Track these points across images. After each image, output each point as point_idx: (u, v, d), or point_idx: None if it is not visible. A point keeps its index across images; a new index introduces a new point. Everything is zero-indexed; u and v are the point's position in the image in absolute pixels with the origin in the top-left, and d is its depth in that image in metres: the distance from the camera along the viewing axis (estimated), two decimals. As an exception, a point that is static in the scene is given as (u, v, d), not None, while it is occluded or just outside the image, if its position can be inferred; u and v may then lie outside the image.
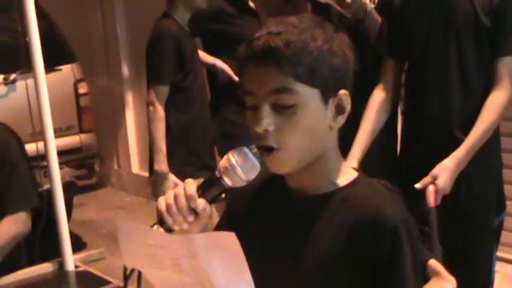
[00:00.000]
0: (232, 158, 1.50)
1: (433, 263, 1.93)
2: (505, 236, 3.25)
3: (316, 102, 1.52)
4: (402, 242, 1.50)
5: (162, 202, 1.49)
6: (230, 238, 1.37)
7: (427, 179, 2.71)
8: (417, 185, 2.70)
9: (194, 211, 1.48)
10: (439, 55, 2.86)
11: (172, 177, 3.94)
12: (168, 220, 1.47)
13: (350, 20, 3.30)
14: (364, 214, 1.53)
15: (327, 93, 1.53)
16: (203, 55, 4.23)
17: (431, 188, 2.69)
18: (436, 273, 1.91)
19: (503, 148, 3.04)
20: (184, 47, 4.02)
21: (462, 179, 2.74)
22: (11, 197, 2.75)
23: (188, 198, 1.47)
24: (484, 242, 2.91)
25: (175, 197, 1.48)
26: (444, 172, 2.70)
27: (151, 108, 4.01)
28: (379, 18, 3.25)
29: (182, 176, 3.80)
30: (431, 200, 2.67)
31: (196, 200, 1.47)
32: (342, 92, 1.56)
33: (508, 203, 3.02)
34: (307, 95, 1.51)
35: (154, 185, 4.00)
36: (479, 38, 2.80)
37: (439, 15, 2.86)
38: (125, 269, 1.59)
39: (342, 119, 1.57)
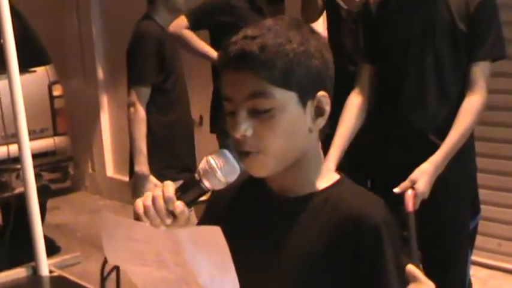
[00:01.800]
0: (212, 160, 1.48)
1: (411, 268, 1.92)
2: (480, 240, 3.26)
3: (294, 105, 1.51)
4: (384, 242, 1.50)
5: (139, 204, 1.46)
6: (215, 232, 1.36)
7: (405, 184, 2.71)
8: (396, 190, 2.70)
9: (172, 214, 1.46)
10: (416, 61, 2.87)
11: (152, 179, 3.93)
12: (145, 222, 1.45)
13: (357, 15, 3.33)
14: (346, 215, 1.52)
15: (305, 95, 1.52)
16: (209, 50, 4.19)
17: (410, 192, 2.69)
18: (414, 279, 1.90)
19: (478, 152, 3.06)
20: (166, 48, 4.03)
21: (438, 183, 2.75)
22: None
23: (166, 200, 1.44)
24: (459, 246, 2.93)
25: (153, 199, 1.45)
26: (423, 176, 2.71)
27: (132, 109, 4.00)
28: None
29: (163, 178, 3.74)
30: (410, 204, 2.67)
31: (174, 203, 1.45)
32: (321, 93, 1.54)
33: (482, 207, 3.03)
34: (284, 98, 1.50)
35: (135, 186, 3.99)
36: (456, 44, 2.83)
37: (417, 22, 2.87)
38: (102, 271, 1.56)
39: (321, 121, 1.56)
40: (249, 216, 1.66)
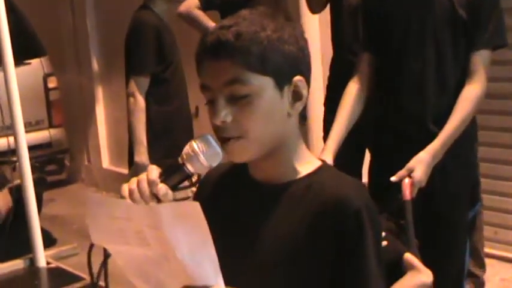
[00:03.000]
0: (195, 144, 1.52)
1: (409, 256, 1.93)
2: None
3: (270, 90, 1.54)
4: (365, 226, 1.52)
5: (125, 187, 1.51)
6: (194, 208, 1.38)
7: (402, 172, 2.71)
8: (393, 178, 2.70)
9: (156, 197, 1.49)
10: (415, 50, 2.86)
11: (125, 184, 3.90)
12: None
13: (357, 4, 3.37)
14: (327, 199, 1.55)
15: (281, 80, 1.55)
16: None
17: (407, 181, 2.69)
18: (412, 267, 1.92)
19: (481, 142, 3.04)
20: (164, 38, 4.02)
21: (436, 171, 2.75)
22: None
23: (150, 183, 1.48)
24: (456, 235, 2.91)
25: (138, 182, 1.50)
26: (420, 165, 2.71)
27: (131, 99, 3.99)
28: None
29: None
30: (407, 193, 2.67)
31: (157, 185, 1.48)
32: (297, 78, 1.57)
33: (497, 198, 3.03)
34: (261, 83, 1.53)
35: (134, 176, 3.97)
36: (456, 32, 2.81)
37: (416, 10, 2.86)
38: (89, 255, 1.57)
39: (299, 105, 1.59)
40: (230, 202, 1.69)
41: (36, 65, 6.10)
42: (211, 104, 1.56)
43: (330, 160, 2.75)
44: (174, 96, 4.12)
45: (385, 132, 2.99)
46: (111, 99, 6.94)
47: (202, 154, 1.52)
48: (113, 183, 6.69)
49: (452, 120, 2.75)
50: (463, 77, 2.80)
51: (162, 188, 1.49)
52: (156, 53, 3.98)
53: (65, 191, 6.96)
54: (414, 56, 2.86)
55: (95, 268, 1.59)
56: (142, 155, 3.96)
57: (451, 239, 2.90)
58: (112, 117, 6.98)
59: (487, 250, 4.37)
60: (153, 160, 3.95)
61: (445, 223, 2.89)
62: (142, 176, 1.50)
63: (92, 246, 1.56)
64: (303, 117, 1.64)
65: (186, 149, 1.53)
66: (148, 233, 1.44)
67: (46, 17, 7.23)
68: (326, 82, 3.95)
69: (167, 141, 4.05)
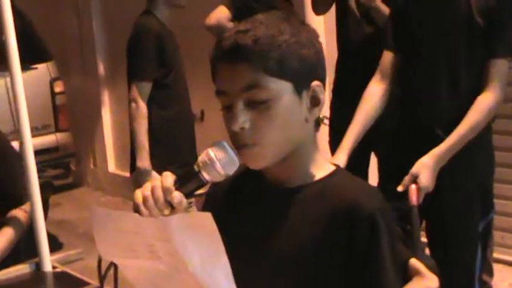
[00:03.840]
0: (211, 152, 1.50)
1: (414, 262, 1.93)
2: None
3: (289, 95, 1.53)
4: (380, 230, 1.51)
5: (138, 194, 1.48)
6: (206, 218, 1.36)
7: (407, 179, 2.70)
8: (399, 188, 2.69)
9: (171, 204, 1.47)
10: (429, 53, 2.85)
11: (155, 175, 3.93)
12: (144, 212, 1.46)
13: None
14: (341, 203, 1.54)
15: (300, 85, 1.54)
16: None
17: (413, 186, 2.68)
18: (418, 273, 1.91)
19: (497, 146, 3.01)
20: (166, 44, 4.03)
21: (445, 178, 2.73)
22: (19, 189, 2.75)
23: (165, 190, 1.46)
24: (466, 244, 2.88)
25: (152, 189, 1.47)
26: (424, 170, 2.70)
27: (133, 105, 4.01)
28: (385, 9, 3.29)
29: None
30: (414, 198, 2.66)
31: (172, 193, 1.46)
32: (315, 83, 1.57)
33: (503, 202, 2.99)
34: (280, 88, 1.52)
35: (136, 182, 3.99)
36: (471, 38, 2.78)
37: (433, 12, 2.85)
38: (99, 267, 1.57)
39: (317, 111, 1.59)
40: (244, 206, 1.68)
41: (43, 70, 6.10)
42: (228, 109, 1.53)
43: (344, 159, 2.74)
44: (175, 102, 4.13)
45: (396, 134, 2.97)
46: (117, 104, 6.94)
47: (218, 162, 1.49)
48: (119, 187, 6.69)
49: (461, 126, 2.73)
50: (478, 84, 2.77)
51: (177, 196, 1.47)
52: (158, 58, 4.00)
53: (71, 195, 6.97)
54: (427, 59, 2.85)
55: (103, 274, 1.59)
56: (144, 160, 3.98)
57: (459, 247, 2.86)
58: (118, 121, 6.98)
59: (494, 255, 4.35)
60: (155, 165, 3.96)
61: (454, 230, 2.86)
62: (157, 183, 1.48)
63: (100, 259, 1.54)
64: (317, 123, 1.63)
65: (202, 156, 1.50)
66: (158, 246, 1.42)
67: (52, 21, 7.25)
68: (331, 86, 3.95)
69: (169, 146, 4.07)
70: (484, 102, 2.76)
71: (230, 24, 4.00)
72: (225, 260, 1.39)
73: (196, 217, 1.41)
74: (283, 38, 1.51)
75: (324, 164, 1.65)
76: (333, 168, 1.64)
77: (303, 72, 1.54)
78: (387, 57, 2.95)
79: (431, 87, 2.85)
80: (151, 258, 1.45)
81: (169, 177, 1.48)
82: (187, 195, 1.50)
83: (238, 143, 1.54)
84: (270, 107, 1.51)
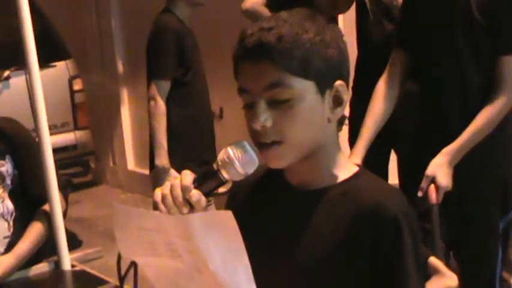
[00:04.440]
0: (231, 151, 1.49)
1: (433, 260, 1.92)
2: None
3: (312, 94, 1.52)
4: (403, 233, 1.49)
5: (158, 192, 1.48)
6: (227, 217, 1.36)
7: (424, 182, 2.68)
8: (419, 193, 2.67)
9: (189, 203, 1.47)
10: (436, 54, 2.83)
11: (173, 173, 3.95)
12: (163, 210, 1.46)
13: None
14: (364, 206, 1.52)
15: (323, 85, 1.53)
16: None
17: (432, 186, 2.67)
18: (437, 271, 1.90)
19: None
20: (186, 42, 4.04)
21: (464, 177, 2.71)
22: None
23: (183, 189, 1.46)
24: (486, 244, 2.84)
25: (171, 188, 1.47)
26: (440, 169, 2.68)
27: (152, 103, 4.02)
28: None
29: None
30: (433, 196, 2.65)
31: (191, 191, 1.46)
32: (339, 83, 1.55)
33: None
34: (303, 87, 1.51)
35: (155, 180, 4.01)
36: (474, 36, 2.75)
37: (436, 11, 2.83)
38: (119, 266, 1.57)
39: (340, 111, 1.57)
40: (266, 209, 1.66)
41: (62, 68, 6.13)
42: (250, 107, 1.53)
43: (358, 161, 2.73)
44: (195, 100, 4.13)
45: (413, 133, 2.96)
46: (136, 101, 6.96)
47: (237, 161, 1.49)
48: (138, 185, 6.71)
49: (474, 123, 2.70)
50: (486, 82, 2.74)
51: (195, 194, 1.46)
52: (177, 57, 4.00)
53: (90, 193, 6.99)
54: (435, 59, 2.83)
55: (122, 273, 1.59)
56: (163, 159, 3.99)
57: (480, 248, 2.83)
58: (137, 118, 7.00)
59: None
60: (174, 163, 3.97)
61: (473, 231, 2.82)
62: (176, 182, 1.48)
63: (120, 258, 1.54)
64: (340, 123, 1.62)
65: (221, 155, 1.50)
66: (179, 244, 1.42)
67: (71, 19, 7.27)
68: (351, 84, 3.93)
69: (188, 144, 4.08)
70: (496, 100, 2.71)
71: (265, 10, 3.98)
72: (246, 260, 1.38)
73: (217, 216, 1.40)
74: (307, 37, 1.50)
75: (347, 164, 1.64)
76: (356, 169, 1.63)
77: (326, 72, 1.53)
78: (396, 54, 2.94)
79: (437, 86, 2.82)
80: (171, 256, 1.45)
81: (188, 176, 1.48)
82: (206, 194, 1.49)
83: (259, 142, 1.53)
84: (292, 106, 1.50)
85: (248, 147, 1.50)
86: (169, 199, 1.46)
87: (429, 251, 2.03)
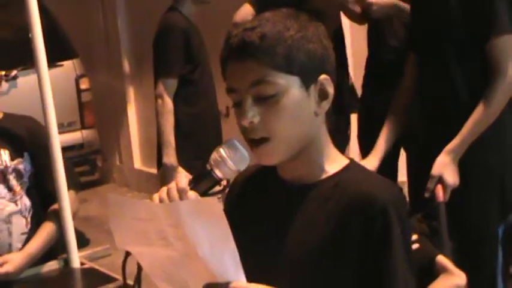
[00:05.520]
0: (222, 150, 1.56)
1: (441, 258, 1.92)
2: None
3: (297, 89, 1.55)
4: (392, 223, 1.51)
5: (156, 197, 1.53)
6: (213, 203, 1.40)
7: (431, 182, 2.67)
8: (426, 194, 2.66)
9: None
10: (429, 50, 2.84)
11: (181, 170, 3.95)
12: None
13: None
14: (354, 197, 1.55)
15: (307, 79, 1.57)
16: None
17: (438, 185, 2.67)
18: (445, 269, 1.90)
19: None
20: (192, 40, 4.05)
21: (461, 180, 2.69)
22: None
23: (180, 191, 1.50)
24: (483, 247, 2.81)
25: (168, 191, 1.51)
26: (445, 169, 2.67)
27: (159, 101, 4.03)
28: (405, 6, 3.28)
29: (191, 169, 3.82)
30: (440, 194, 2.65)
31: (187, 193, 1.51)
32: (323, 77, 1.58)
33: None
34: (287, 83, 1.54)
35: (163, 178, 4.02)
36: (453, 27, 2.73)
37: (425, 9, 2.84)
38: (124, 265, 1.59)
39: (326, 104, 1.60)
40: (260, 204, 1.70)
41: (69, 67, 6.13)
42: (238, 105, 1.57)
43: (375, 164, 2.75)
44: (202, 98, 4.14)
45: (418, 131, 2.97)
46: (143, 100, 6.97)
47: (229, 159, 1.54)
48: (144, 183, 6.72)
49: (473, 115, 2.66)
50: (475, 75, 2.72)
51: (192, 195, 1.51)
52: (184, 55, 4.01)
53: (97, 191, 6.98)
54: (423, 56, 2.84)
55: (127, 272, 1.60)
56: (170, 157, 4.00)
57: (477, 251, 2.79)
58: (144, 117, 7.01)
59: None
60: (182, 161, 3.97)
61: (470, 234, 2.79)
62: (172, 185, 1.52)
63: (127, 255, 1.57)
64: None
65: (214, 155, 1.56)
66: (170, 232, 1.45)
67: (77, 18, 7.28)
68: (361, 81, 3.92)
69: (195, 142, 4.08)
70: (493, 90, 2.65)
71: None
72: (233, 245, 1.41)
73: (204, 202, 1.45)
74: (289, 34, 1.55)
75: (337, 157, 1.66)
76: (347, 161, 1.65)
77: (310, 66, 1.56)
78: (409, 58, 2.95)
79: (427, 84, 2.83)
80: (163, 245, 1.48)
81: (183, 178, 1.53)
82: (202, 194, 1.54)
83: (249, 138, 1.57)
84: (278, 100, 1.54)
85: (238, 145, 1.56)
86: (166, 202, 1.50)
87: (437, 249, 2.03)
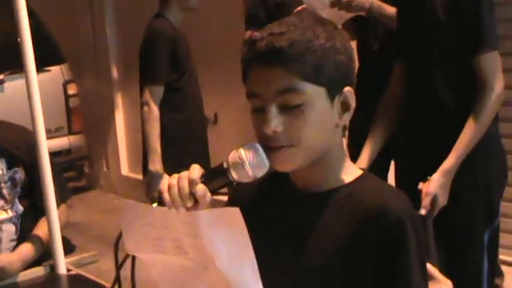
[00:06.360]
0: (242, 152, 1.49)
1: (429, 267, 1.92)
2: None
3: (322, 100, 1.53)
4: (407, 234, 1.50)
5: (164, 182, 1.53)
6: (234, 213, 1.36)
7: (427, 200, 2.66)
8: (423, 212, 2.66)
9: (194, 197, 1.46)
10: (417, 59, 2.84)
11: (166, 178, 3.94)
12: (167, 199, 1.46)
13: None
14: (369, 207, 1.53)
15: (333, 91, 1.54)
16: None
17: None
18: (432, 277, 1.90)
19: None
20: (178, 47, 4.04)
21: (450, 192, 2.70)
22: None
23: (190, 182, 1.46)
24: (470, 254, 2.82)
25: (178, 179, 1.47)
26: (440, 189, 2.66)
27: (145, 108, 4.02)
28: (387, 8, 3.27)
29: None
30: (427, 202, 2.66)
31: (197, 185, 1.46)
32: (347, 89, 1.57)
33: (507, 204, 2.92)
34: (314, 93, 1.52)
35: (149, 185, 4.01)
36: (440, 37, 2.73)
37: (410, 21, 2.85)
38: (118, 272, 1.57)
39: (347, 116, 1.58)
40: (271, 211, 1.67)
41: (56, 72, 6.14)
42: (259, 111, 1.53)
43: (364, 165, 2.75)
44: (188, 105, 4.14)
45: (405, 140, 2.97)
46: (130, 106, 6.96)
47: (248, 162, 1.49)
48: (131, 189, 6.70)
49: (466, 133, 2.68)
50: (460, 85, 2.73)
51: (201, 189, 1.46)
52: (170, 61, 4.01)
53: (84, 197, 6.98)
54: (415, 65, 2.85)
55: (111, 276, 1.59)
56: (156, 164, 3.99)
57: (464, 258, 2.80)
58: (131, 124, 7.00)
59: (508, 258, 4.33)
60: (167, 168, 3.97)
61: (456, 241, 2.80)
62: (184, 173, 1.48)
63: (124, 259, 1.54)
64: (345, 128, 1.64)
65: (233, 154, 1.50)
66: (186, 241, 1.42)
67: (66, 24, 7.28)
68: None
69: (181, 149, 4.08)
70: (481, 105, 2.67)
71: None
72: (252, 258, 1.38)
73: (225, 212, 1.40)
74: (318, 43, 1.51)
75: (352, 168, 1.65)
76: (360, 172, 1.64)
77: (337, 78, 1.54)
78: (396, 66, 2.95)
79: (415, 97, 2.83)
80: (177, 253, 1.45)
81: (196, 170, 1.48)
82: (211, 191, 1.49)
83: (270, 146, 1.53)
84: (303, 111, 1.51)
85: (260, 149, 1.50)
86: (175, 190, 1.45)
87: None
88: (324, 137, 1.55)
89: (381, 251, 1.50)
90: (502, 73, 2.72)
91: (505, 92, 2.75)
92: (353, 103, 1.57)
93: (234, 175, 1.49)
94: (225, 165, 1.50)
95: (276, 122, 1.51)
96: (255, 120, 1.55)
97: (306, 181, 1.62)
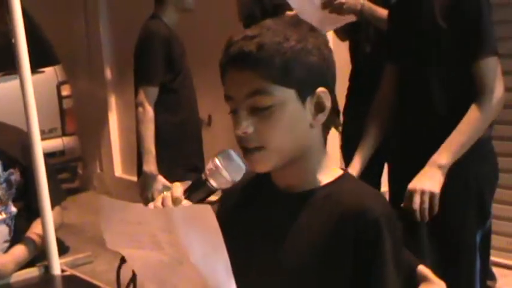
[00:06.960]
0: (217, 160, 1.54)
1: (422, 268, 1.93)
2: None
3: (293, 101, 1.55)
4: (384, 235, 1.52)
5: (150, 205, 1.52)
6: (206, 211, 1.39)
7: (425, 196, 2.66)
8: (414, 206, 2.67)
9: None
10: (412, 62, 2.84)
11: (161, 179, 3.95)
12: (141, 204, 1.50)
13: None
14: (347, 208, 1.55)
15: (304, 92, 1.55)
16: None
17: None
18: (425, 279, 1.91)
19: (497, 152, 2.94)
20: (173, 48, 4.04)
21: (441, 192, 2.70)
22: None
23: (174, 200, 1.49)
24: (462, 254, 2.82)
25: (163, 200, 1.50)
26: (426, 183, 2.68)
27: (140, 109, 4.02)
28: (378, 10, 3.28)
29: (171, 178, 3.82)
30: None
31: (181, 202, 1.49)
32: (320, 90, 1.57)
33: (509, 208, 2.91)
34: (283, 95, 1.53)
35: (143, 186, 4.01)
36: (440, 42, 2.73)
37: (409, 23, 2.85)
38: (118, 275, 1.59)
39: (322, 117, 1.59)
40: (254, 211, 1.69)
41: (50, 73, 6.13)
42: (235, 113, 1.56)
43: (356, 171, 2.75)
44: (183, 106, 4.14)
45: (398, 142, 2.98)
46: (124, 108, 6.96)
47: (224, 169, 1.53)
48: (125, 191, 6.70)
49: (459, 133, 2.68)
50: (457, 91, 2.73)
51: (186, 205, 1.49)
52: (165, 63, 4.01)
53: (78, 199, 6.96)
54: (411, 67, 2.85)
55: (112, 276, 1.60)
56: (151, 165, 3.99)
57: (456, 259, 2.80)
58: (125, 125, 7.00)
59: (500, 260, 4.34)
60: (162, 169, 3.97)
61: (448, 242, 2.80)
62: (167, 194, 1.51)
63: (122, 262, 1.57)
64: (326, 127, 1.64)
65: (209, 164, 1.54)
66: (161, 236, 1.45)
67: (59, 25, 7.27)
68: (345, 92, 3.93)
69: (176, 150, 4.08)
70: (482, 103, 2.67)
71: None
72: (225, 255, 1.41)
73: (197, 210, 1.43)
74: (288, 45, 1.52)
75: (332, 168, 1.66)
76: (341, 172, 1.66)
77: (307, 80, 1.55)
78: (387, 68, 2.95)
79: (409, 100, 2.84)
80: (154, 249, 1.48)
81: (178, 188, 1.51)
82: (197, 204, 1.52)
83: (243, 146, 1.57)
84: (273, 112, 1.53)
85: (234, 155, 1.54)
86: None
87: (417, 259, 2.04)
88: (296, 137, 1.57)
89: (358, 251, 1.52)
90: (501, 77, 2.72)
91: (505, 95, 2.75)
92: (328, 103, 1.58)
93: (213, 183, 1.54)
94: (203, 176, 1.54)
95: (245, 124, 1.54)
96: (233, 122, 1.58)
97: (286, 181, 1.64)
